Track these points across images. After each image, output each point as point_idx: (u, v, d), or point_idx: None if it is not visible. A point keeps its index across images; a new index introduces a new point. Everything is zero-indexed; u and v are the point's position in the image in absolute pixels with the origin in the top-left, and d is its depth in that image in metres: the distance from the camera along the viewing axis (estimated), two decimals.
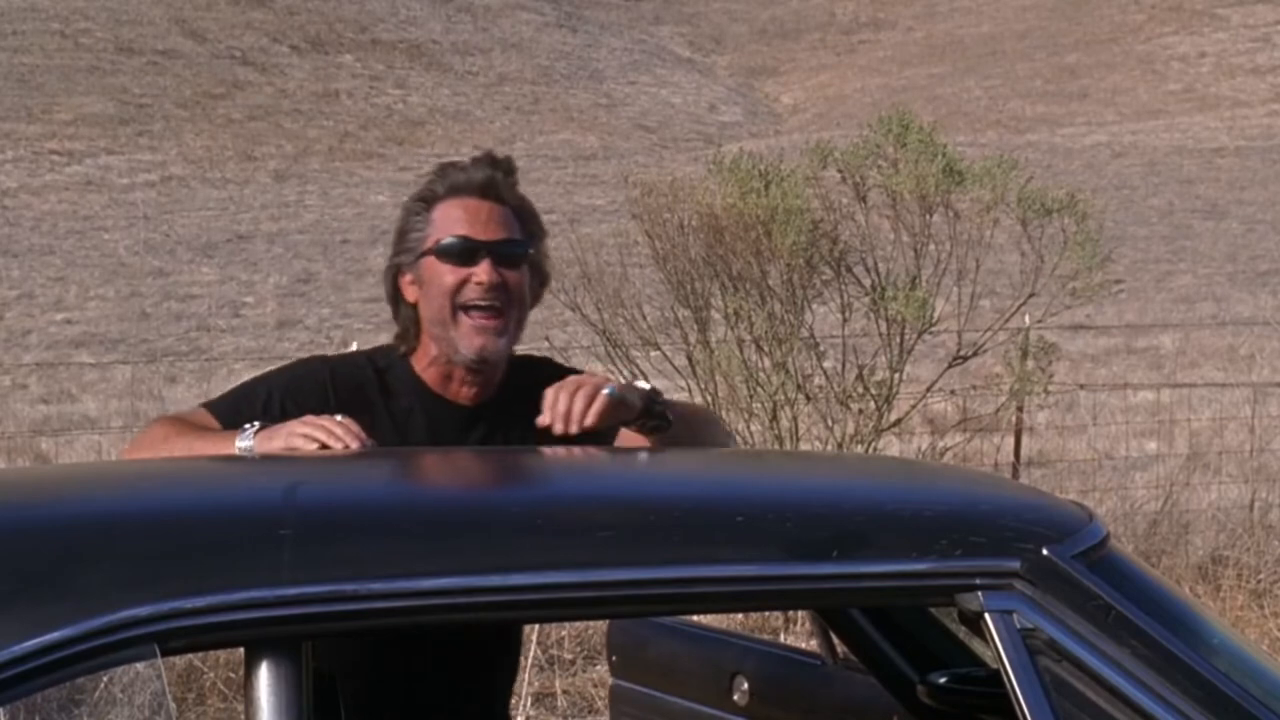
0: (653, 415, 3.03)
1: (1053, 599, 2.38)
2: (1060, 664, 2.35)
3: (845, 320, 8.92)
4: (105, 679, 2.20)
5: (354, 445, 2.80)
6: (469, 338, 3.03)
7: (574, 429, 2.90)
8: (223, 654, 6.72)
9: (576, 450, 2.98)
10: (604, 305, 8.98)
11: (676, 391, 9.03)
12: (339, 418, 2.85)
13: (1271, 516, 9.66)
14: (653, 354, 9.12)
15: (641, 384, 3.11)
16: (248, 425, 2.88)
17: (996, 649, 2.36)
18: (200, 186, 48.01)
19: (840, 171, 9.00)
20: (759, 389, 8.79)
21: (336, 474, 2.71)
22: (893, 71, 71.65)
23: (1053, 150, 48.05)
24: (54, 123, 53.09)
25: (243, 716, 2.18)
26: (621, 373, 8.84)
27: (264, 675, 2.14)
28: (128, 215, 41.53)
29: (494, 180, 3.09)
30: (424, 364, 3.10)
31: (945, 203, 8.90)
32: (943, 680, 3.44)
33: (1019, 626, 2.36)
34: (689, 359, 8.94)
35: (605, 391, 2.93)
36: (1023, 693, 2.32)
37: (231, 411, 3.00)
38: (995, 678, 2.58)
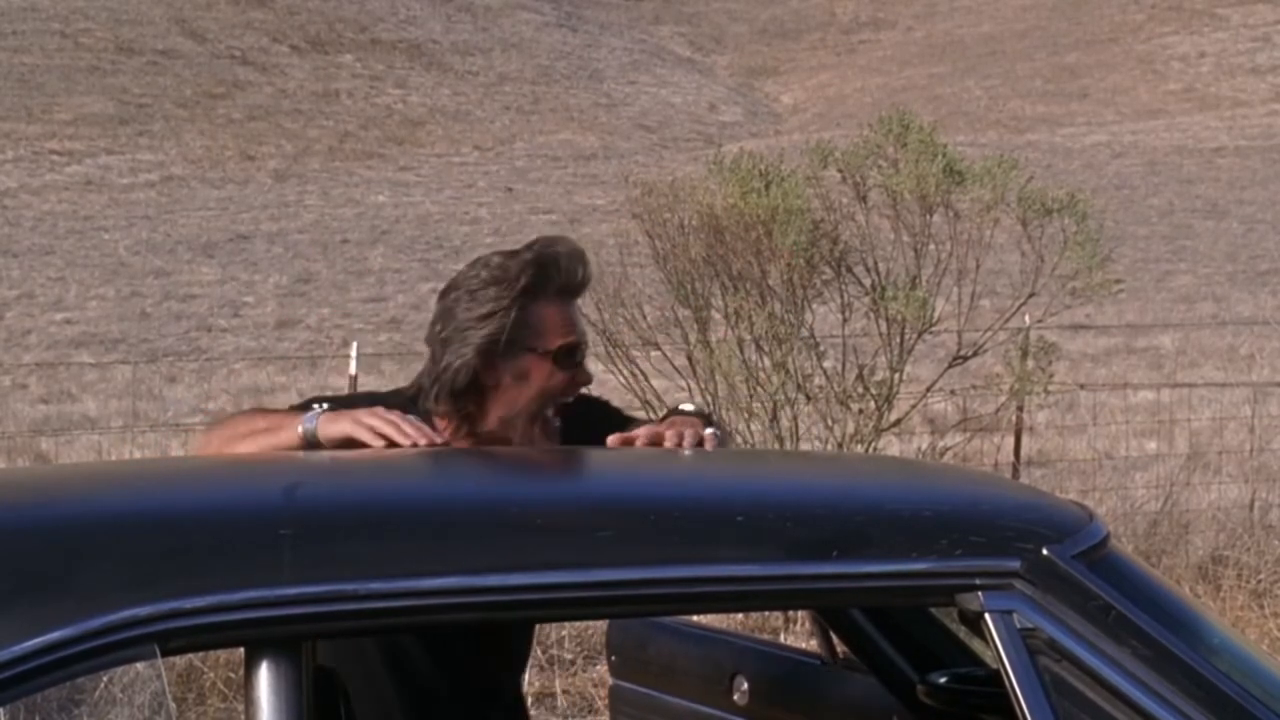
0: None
1: (1053, 599, 2.37)
2: (1060, 664, 2.35)
3: (845, 320, 8.91)
4: (105, 679, 2.21)
5: (422, 441, 2.84)
6: (537, 439, 3.12)
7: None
8: (223, 654, 6.72)
9: (576, 451, 2.98)
10: (604, 305, 8.97)
11: (676, 391, 9.03)
12: (411, 417, 2.89)
13: (1271, 516, 9.66)
14: (653, 354, 9.12)
15: (687, 405, 3.22)
16: (315, 405, 2.93)
17: (996, 649, 2.36)
18: (200, 186, 48.02)
19: (840, 171, 9.00)
20: (759, 389, 8.79)
21: (336, 474, 2.71)
22: (893, 71, 71.65)
23: (1053, 150, 48.06)
24: (54, 123, 53.11)
25: (243, 716, 2.18)
26: (621, 373, 8.84)
27: (264, 675, 2.14)
28: (128, 215, 41.56)
29: (586, 280, 3.20)
30: (450, 429, 3.13)
31: (945, 203, 8.89)
32: (943, 680, 3.44)
33: (1019, 626, 2.36)
34: (689, 359, 8.94)
35: (710, 432, 3.05)
36: (1023, 693, 2.32)
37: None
38: (995, 678, 2.58)
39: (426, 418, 3.07)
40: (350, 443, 2.87)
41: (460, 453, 2.95)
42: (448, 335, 3.10)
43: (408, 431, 2.84)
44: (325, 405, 2.94)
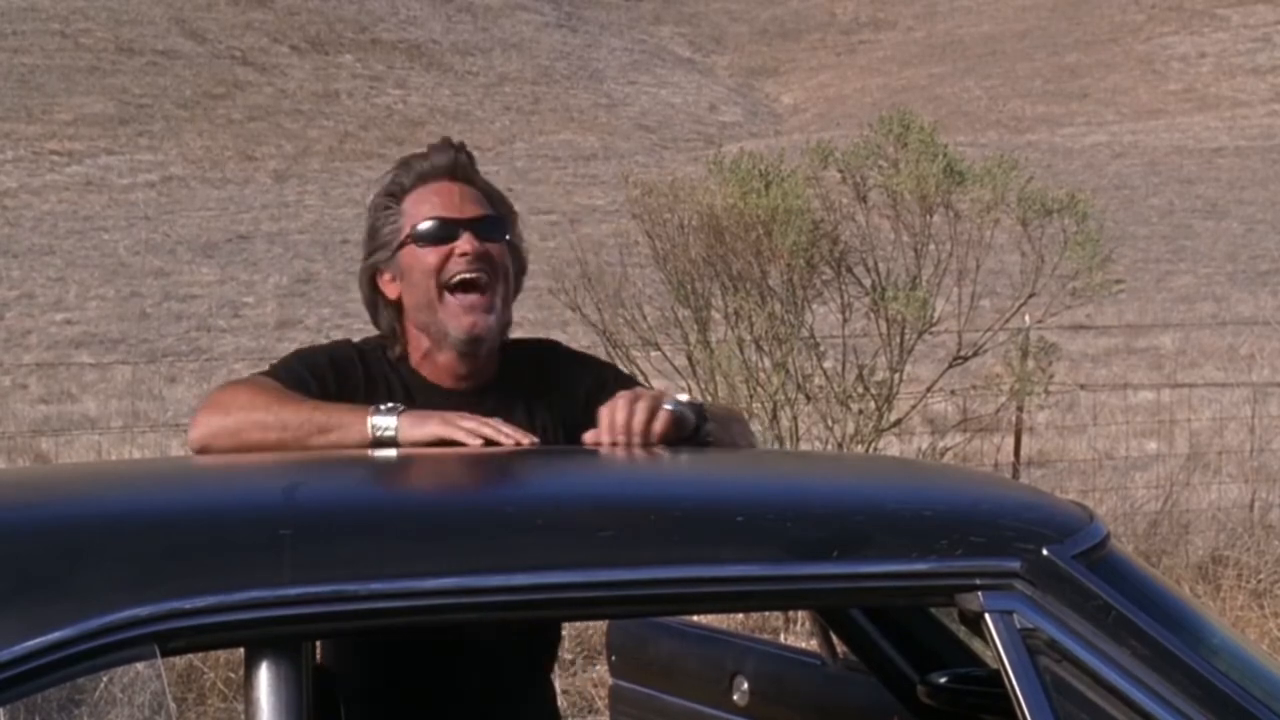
0: (700, 433, 2.93)
1: (1053, 599, 2.37)
2: (1060, 664, 2.35)
3: (845, 320, 8.91)
4: (105, 679, 2.20)
5: (525, 442, 2.78)
6: (457, 318, 2.96)
7: (636, 442, 2.82)
8: (223, 654, 6.72)
9: (576, 450, 2.98)
10: (604, 305, 8.98)
11: (677, 392, 9.03)
12: (498, 422, 2.80)
13: (1271, 516, 9.66)
14: (653, 354, 9.12)
15: (683, 396, 2.99)
16: (385, 405, 2.83)
17: (996, 649, 2.35)
18: (200, 186, 48.00)
19: (840, 171, 9.00)
20: (759, 389, 8.79)
21: (336, 474, 2.71)
22: (893, 71, 71.62)
23: (1053, 150, 48.03)
24: (54, 123, 53.07)
25: (243, 716, 2.18)
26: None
27: (264, 675, 2.14)
28: (128, 215, 41.52)
29: (459, 162, 3.05)
30: (417, 358, 3.05)
31: (945, 203, 8.90)
32: (943, 680, 3.44)
33: (1019, 626, 2.35)
34: (689, 359, 8.94)
35: (667, 407, 2.85)
36: (1023, 693, 2.32)
37: (299, 382, 2.93)
38: (995, 678, 2.58)
39: (402, 363, 3.02)
40: (441, 444, 2.78)
41: (460, 453, 2.95)
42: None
43: (507, 433, 2.77)
44: (398, 405, 2.83)
